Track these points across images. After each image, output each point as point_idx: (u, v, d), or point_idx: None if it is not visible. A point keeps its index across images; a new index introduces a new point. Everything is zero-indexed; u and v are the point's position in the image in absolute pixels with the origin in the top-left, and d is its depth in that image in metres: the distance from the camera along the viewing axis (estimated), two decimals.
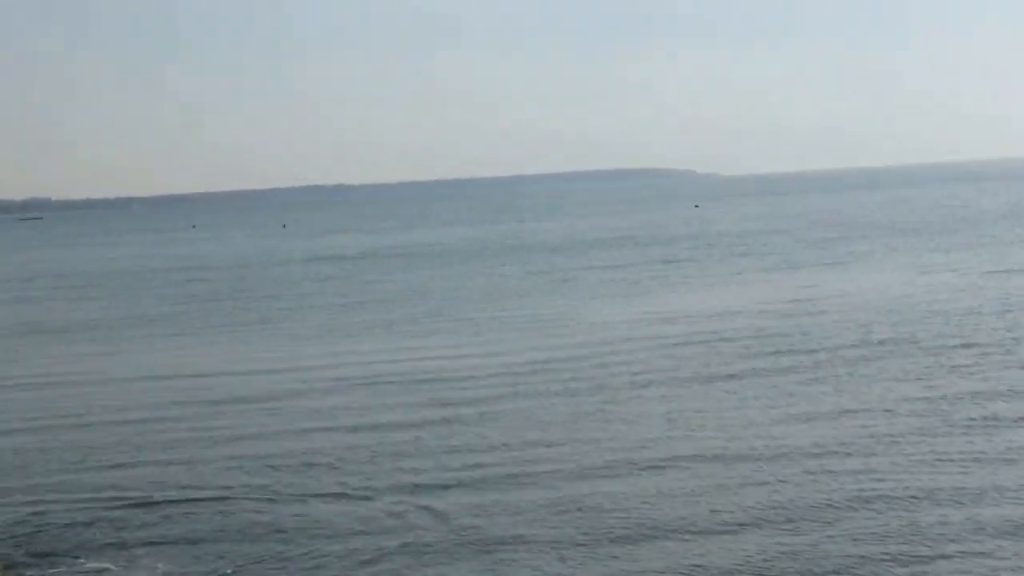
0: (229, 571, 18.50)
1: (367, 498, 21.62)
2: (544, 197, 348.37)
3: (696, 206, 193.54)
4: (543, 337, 42.04)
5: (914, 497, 19.85)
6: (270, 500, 21.98)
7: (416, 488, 21.97)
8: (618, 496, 20.80)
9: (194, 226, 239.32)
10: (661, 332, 41.25)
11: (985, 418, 25.14)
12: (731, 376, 31.88)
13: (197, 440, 27.39)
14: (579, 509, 20.20)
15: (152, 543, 19.95)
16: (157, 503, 22.14)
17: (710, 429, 25.60)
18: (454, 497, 21.30)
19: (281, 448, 26.03)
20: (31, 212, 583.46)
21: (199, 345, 45.82)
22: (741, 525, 19.06)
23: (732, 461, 22.74)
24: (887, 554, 17.51)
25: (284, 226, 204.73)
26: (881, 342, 35.90)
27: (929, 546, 17.72)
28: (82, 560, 19.35)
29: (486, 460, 23.90)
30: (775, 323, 41.78)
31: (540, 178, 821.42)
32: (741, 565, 17.48)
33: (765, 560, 17.57)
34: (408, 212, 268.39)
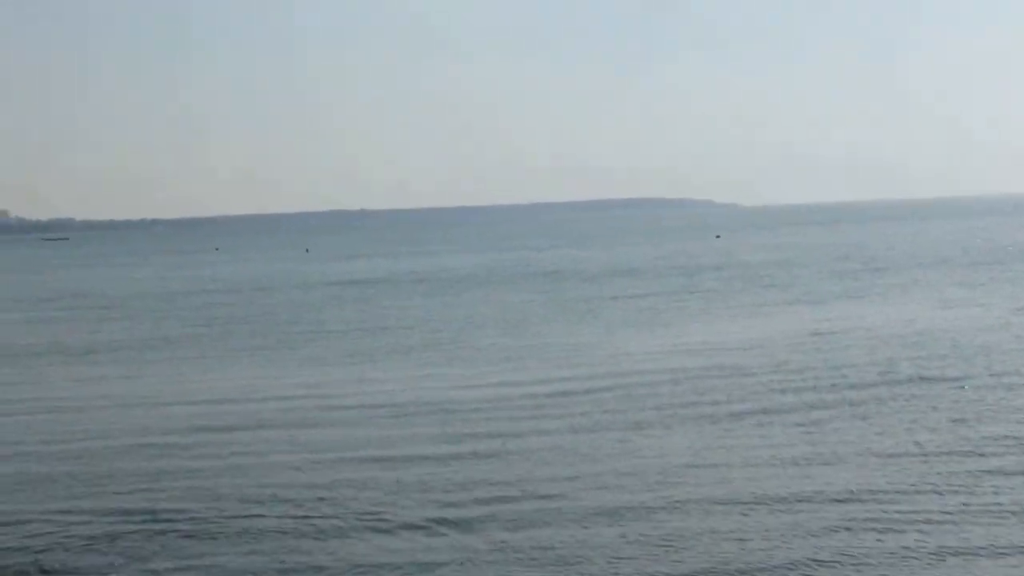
0: None
1: (391, 529, 21.34)
2: (563, 225, 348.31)
3: (717, 236, 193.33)
4: (566, 367, 41.84)
5: (943, 548, 19.39)
6: (297, 525, 21.77)
7: (440, 521, 21.65)
8: (642, 536, 20.44)
9: (217, 248, 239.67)
10: (684, 364, 41.01)
11: (1019, 463, 24.75)
12: (756, 411, 31.59)
13: (220, 464, 27.19)
14: (603, 547, 19.87)
15: (180, 567, 19.81)
16: (183, 525, 21.93)
17: (736, 467, 25.23)
18: (476, 533, 20.99)
19: (306, 474, 25.79)
20: (55, 232, 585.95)
21: (221, 368, 45.74)
22: (766, 571, 18.75)
23: (759, 502, 22.33)
24: None
25: (307, 250, 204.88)
26: (909, 379, 35.60)
27: None
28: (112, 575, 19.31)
29: (509, 494, 23.53)
30: (799, 356, 41.54)
31: (559, 206, 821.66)
32: None
33: None
34: (430, 237, 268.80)
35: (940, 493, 22.39)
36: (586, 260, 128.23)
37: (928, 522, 20.58)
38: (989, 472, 23.81)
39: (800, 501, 22.15)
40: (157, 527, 21.88)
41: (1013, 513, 20.93)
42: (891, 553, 19.10)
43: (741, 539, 19.99)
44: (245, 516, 22.59)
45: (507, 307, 70.15)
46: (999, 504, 21.53)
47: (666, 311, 63.05)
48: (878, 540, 19.70)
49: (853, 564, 18.66)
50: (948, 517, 20.80)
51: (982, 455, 25.29)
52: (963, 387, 33.65)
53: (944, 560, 18.72)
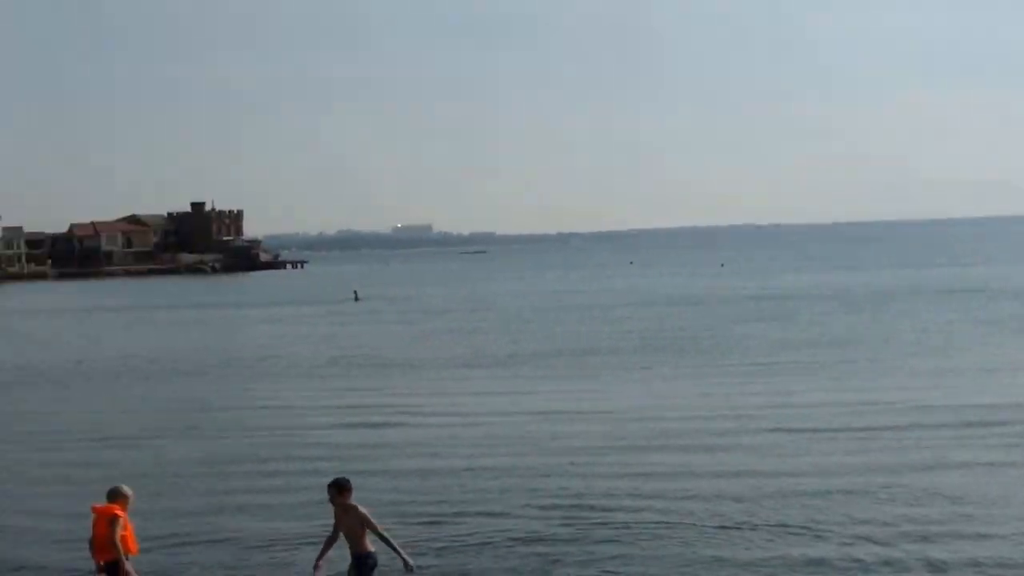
0: None
1: (806, 560, 20.20)
2: (982, 241, 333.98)
3: None
4: (995, 390, 39.69)
5: None
6: (715, 538, 21.33)
7: (858, 562, 20.03)
8: None
9: (631, 262, 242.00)
10: None
11: None
12: None
13: (631, 484, 26.72)
14: None
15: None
16: (607, 548, 21.56)
17: None
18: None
19: (721, 497, 25.06)
20: (475, 246, 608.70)
21: (639, 382, 45.73)
22: None
23: None
24: None
25: (722, 265, 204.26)
26: None
27: None
28: None
29: (932, 531, 21.65)
30: None
31: (968, 221, 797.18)
32: None
33: None
34: (841, 252, 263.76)
35: None
36: (1013, 277, 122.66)
37: None
38: None
39: None
40: (575, 547, 21.63)
41: None
42: None
43: None
44: (656, 525, 22.47)
45: (929, 324, 67.77)
46: None
47: None
48: None
49: None
50: None
51: None
52: None
53: None
